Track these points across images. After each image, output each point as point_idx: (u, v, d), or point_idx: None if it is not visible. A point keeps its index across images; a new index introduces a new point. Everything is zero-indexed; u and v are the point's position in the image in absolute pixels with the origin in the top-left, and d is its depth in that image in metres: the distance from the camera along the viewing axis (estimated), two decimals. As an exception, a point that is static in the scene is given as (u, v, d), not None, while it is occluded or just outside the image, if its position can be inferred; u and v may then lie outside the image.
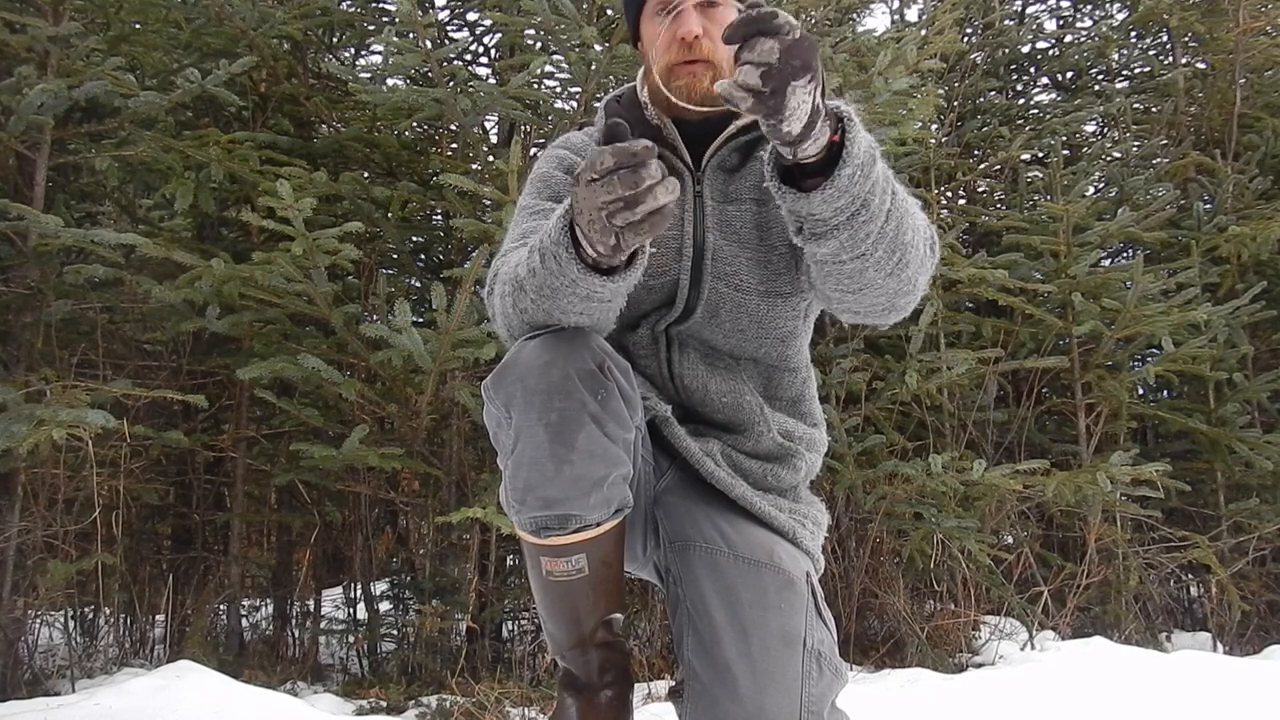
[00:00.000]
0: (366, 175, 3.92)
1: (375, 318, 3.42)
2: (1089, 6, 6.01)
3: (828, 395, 3.82)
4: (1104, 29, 5.53)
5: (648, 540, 1.48)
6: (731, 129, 1.48)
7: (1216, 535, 4.48)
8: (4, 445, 2.64)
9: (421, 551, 3.81)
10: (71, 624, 3.49)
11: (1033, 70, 5.74)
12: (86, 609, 3.66)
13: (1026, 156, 5.16)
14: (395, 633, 3.69)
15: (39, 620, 3.39)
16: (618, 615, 1.38)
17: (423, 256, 4.25)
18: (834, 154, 1.16)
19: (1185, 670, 3.22)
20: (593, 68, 3.45)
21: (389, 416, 3.58)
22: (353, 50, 4.42)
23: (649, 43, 1.48)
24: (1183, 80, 5.39)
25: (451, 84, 3.53)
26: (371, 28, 4.09)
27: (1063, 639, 3.81)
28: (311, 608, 3.99)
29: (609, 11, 3.70)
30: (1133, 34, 5.73)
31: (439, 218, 4.17)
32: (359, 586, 3.88)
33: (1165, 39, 5.72)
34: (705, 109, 1.38)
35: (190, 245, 3.45)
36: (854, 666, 3.53)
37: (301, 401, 3.55)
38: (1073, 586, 3.98)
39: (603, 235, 1.14)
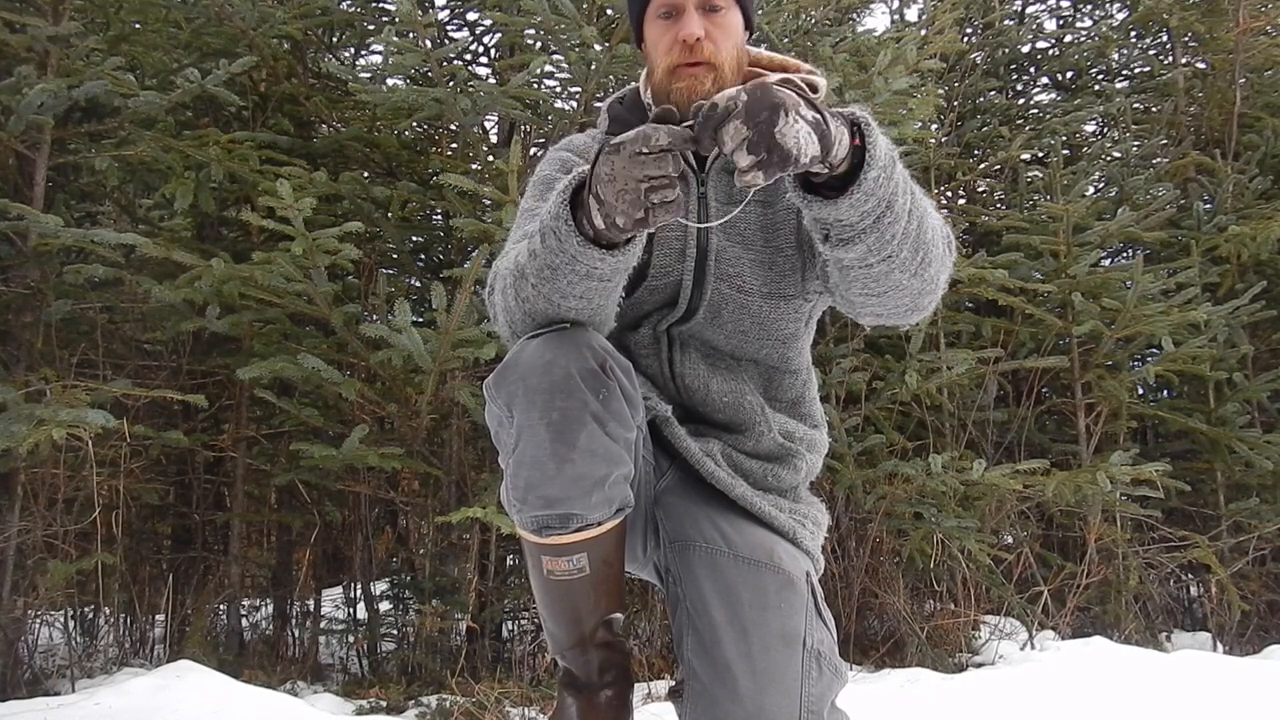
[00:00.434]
0: (366, 175, 3.91)
1: (375, 318, 3.42)
2: (1089, 6, 6.00)
3: (828, 395, 3.82)
4: (1104, 29, 5.52)
5: (648, 540, 1.48)
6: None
7: (1216, 535, 4.47)
8: (4, 445, 2.64)
9: (421, 551, 3.81)
10: (71, 624, 3.48)
11: (1033, 70, 5.73)
12: (86, 609, 3.65)
13: (1026, 156, 5.15)
14: (395, 633, 3.69)
15: (39, 620, 3.39)
16: (618, 615, 1.39)
17: (423, 256, 4.24)
18: (855, 160, 1.18)
19: (1185, 670, 3.22)
20: (593, 67, 3.45)
21: (389, 416, 3.58)
22: (353, 50, 4.42)
23: (651, 44, 1.48)
24: (1183, 80, 5.39)
25: (451, 84, 3.53)
26: (371, 27, 4.08)
27: (1063, 639, 3.81)
28: (311, 607, 3.99)
29: (609, 11, 3.70)
30: (1133, 34, 5.72)
31: (439, 218, 4.16)
32: (359, 586, 3.88)
33: (1165, 39, 5.71)
34: None
35: (190, 245, 3.45)
36: (854, 666, 3.53)
37: (301, 401, 3.55)
38: (1073, 586, 3.98)
39: (632, 208, 1.15)
